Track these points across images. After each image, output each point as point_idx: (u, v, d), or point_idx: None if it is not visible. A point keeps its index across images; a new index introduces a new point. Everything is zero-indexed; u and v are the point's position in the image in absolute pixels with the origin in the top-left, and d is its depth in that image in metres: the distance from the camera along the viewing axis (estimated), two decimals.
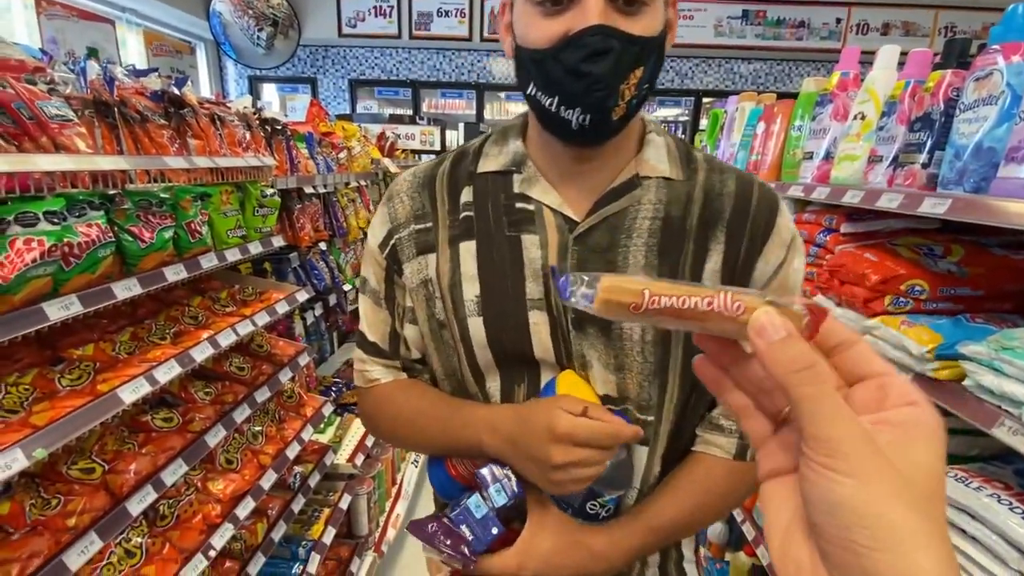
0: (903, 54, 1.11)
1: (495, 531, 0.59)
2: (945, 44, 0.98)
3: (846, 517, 0.22)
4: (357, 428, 2.07)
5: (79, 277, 0.88)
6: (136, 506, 0.94)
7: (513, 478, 0.59)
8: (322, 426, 1.97)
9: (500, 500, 0.59)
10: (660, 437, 0.64)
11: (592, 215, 0.60)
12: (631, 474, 0.64)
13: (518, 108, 5.78)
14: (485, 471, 0.60)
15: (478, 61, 5.38)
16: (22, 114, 0.91)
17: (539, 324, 0.62)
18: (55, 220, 0.82)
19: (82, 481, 0.94)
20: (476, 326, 0.63)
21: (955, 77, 0.93)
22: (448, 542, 0.59)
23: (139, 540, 1.01)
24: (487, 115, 5.64)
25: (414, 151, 3.88)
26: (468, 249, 0.64)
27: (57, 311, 0.83)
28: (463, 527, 0.59)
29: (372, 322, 0.72)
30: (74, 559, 0.83)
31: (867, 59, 1.23)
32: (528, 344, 0.62)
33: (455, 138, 4.58)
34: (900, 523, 0.21)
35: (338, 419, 2.10)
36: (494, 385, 0.66)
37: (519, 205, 0.63)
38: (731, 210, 0.60)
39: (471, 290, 0.63)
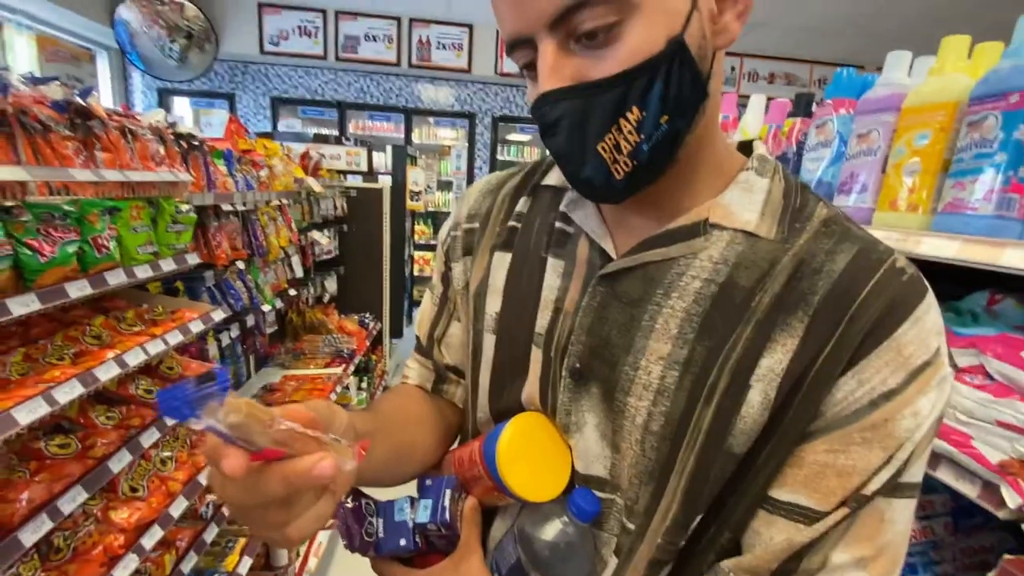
0: (769, 99, 1.32)
1: (403, 542, 0.53)
2: (796, 97, 1.19)
3: None
4: None
5: None
6: (29, 536, 0.87)
7: (449, 509, 0.53)
8: None
9: (422, 517, 0.53)
10: (637, 557, 0.48)
11: (629, 256, 0.48)
12: (582, 568, 0.50)
13: (447, 132, 5.90)
14: (429, 482, 0.56)
15: (406, 86, 5.45)
16: None
17: (535, 363, 0.53)
18: None
19: None
20: (488, 344, 0.57)
21: (803, 124, 1.13)
22: (353, 524, 0.54)
23: (30, 575, 0.94)
24: (415, 139, 5.70)
25: (340, 171, 3.85)
26: (502, 260, 0.58)
27: None
28: (379, 520, 0.55)
29: (422, 317, 0.69)
30: None
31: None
32: (521, 383, 0.54)
33: (383, 160, 4.59)
34: None
35: None
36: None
37: (559, 225, 0.55)
38: (825, 293, 0.42)
39: (493, 304, 0.57)
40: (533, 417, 0.53)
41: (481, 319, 0.58)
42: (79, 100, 1.25)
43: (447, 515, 0.52)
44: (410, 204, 4.24)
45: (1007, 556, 0.73)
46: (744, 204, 0.47)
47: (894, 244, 0.86)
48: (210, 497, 1.54)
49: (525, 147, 6.04)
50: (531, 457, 0.50)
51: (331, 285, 3.61)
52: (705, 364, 0.44)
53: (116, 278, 1.16)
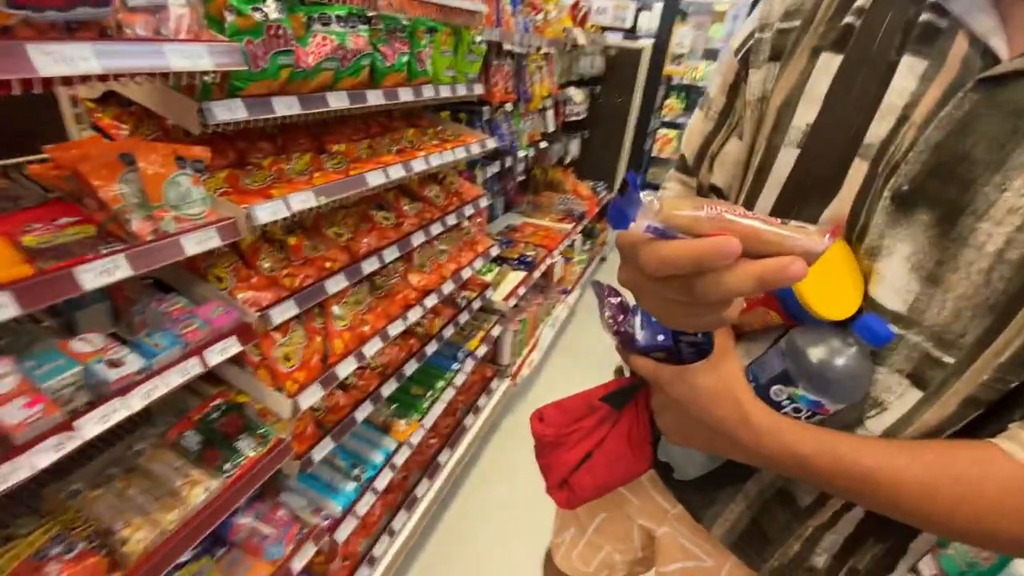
0: None
1: (661, 338, 0.56)
2: None
3: None
4: (513, 277, 2.34)
5: (348, 79, 1.12)
6: (368, 266, 1.25)
7: None
8: (483, 269, 2.27)
9: None
10: (948, 393, 0.45)
11: None
12: (855, 390, 0.47)
13: None
14: None
15: None
16: None
17: (855, 177, 0.48)
18: (341, 24, 1.04)
19: (334, 240, 1.27)
20: (786, 159, 0.52)
21: None
22: (619, 316, 0.60)
23: (363, 295, 1.36)
24: None
25: (604, 27, 3.72)
26: (828, 63, 0.51)
27: (335, 101, 1.08)
28: (635, 319, 0.59)
29: (692, 133, 0.66)
30: (330, 287, 1.16)
31: None
32: (824, 202, 0.49)
33: (647, 19, 4.24)
34: None
35: (497, 268, 2.39)
36: None
37: (926, 17, 0.45)
38: None
39: (805, 114, 0.51)
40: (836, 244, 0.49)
41: (783, 131, 0.53)
42: None
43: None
44: (669, 68, 3.93)
45: None
46: None
47: None
48: (464, 293, 1.93)
49: None
50: (824, 274, 0.48)
51: (574, 148, 3.73)
52: None
53: (428, 92, 1.41)
